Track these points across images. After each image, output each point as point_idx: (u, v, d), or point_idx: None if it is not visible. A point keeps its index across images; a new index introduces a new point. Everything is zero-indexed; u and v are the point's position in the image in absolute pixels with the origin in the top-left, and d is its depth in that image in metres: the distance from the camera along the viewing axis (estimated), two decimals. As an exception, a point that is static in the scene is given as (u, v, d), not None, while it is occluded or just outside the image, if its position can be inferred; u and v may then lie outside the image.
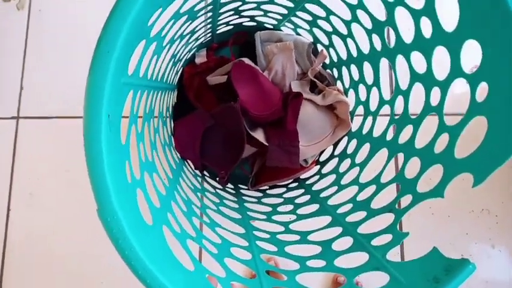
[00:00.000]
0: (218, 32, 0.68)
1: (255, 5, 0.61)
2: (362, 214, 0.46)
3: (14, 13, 0.99)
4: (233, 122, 0.58)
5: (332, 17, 0.56)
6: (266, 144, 0.61)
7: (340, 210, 0.51)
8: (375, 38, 0.50)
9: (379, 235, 0.41)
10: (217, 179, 0.69)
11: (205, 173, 0.73)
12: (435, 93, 0.40)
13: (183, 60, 0.64)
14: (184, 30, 0.47)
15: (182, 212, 0.44)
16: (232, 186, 0.73)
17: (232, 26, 0.69)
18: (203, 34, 0.62)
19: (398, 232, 0.39)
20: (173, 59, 0.53)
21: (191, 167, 0.68)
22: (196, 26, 0.52)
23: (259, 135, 0.62)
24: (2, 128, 0.95)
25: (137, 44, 0.28)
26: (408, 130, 0.45)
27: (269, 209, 0.63)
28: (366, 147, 0.55)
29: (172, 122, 0.67)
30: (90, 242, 0.84)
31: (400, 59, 0.46)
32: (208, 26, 0.61)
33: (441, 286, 0.31)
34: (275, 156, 0.60)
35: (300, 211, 0.58)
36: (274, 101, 0.62)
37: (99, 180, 0.26)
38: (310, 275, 0.39)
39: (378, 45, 0.50)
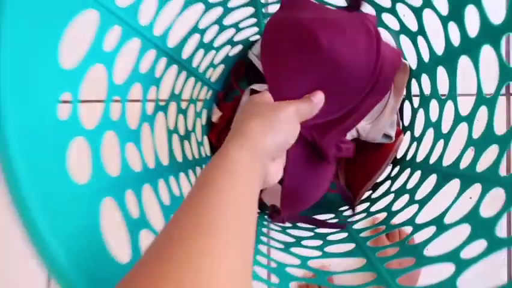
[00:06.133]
0: (213, 80, 0.61)
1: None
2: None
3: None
4: None
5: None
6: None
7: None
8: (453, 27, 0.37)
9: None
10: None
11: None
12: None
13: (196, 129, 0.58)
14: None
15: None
16: (333, 215, 0.60)
17: (223, 65, 0.62)
18: (199, 91, 0.56)
19: None
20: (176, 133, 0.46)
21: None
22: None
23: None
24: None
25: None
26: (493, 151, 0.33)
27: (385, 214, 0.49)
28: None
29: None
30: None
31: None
32: (198, 81, 0.54)
33: None
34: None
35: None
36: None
37: None
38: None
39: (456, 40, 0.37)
